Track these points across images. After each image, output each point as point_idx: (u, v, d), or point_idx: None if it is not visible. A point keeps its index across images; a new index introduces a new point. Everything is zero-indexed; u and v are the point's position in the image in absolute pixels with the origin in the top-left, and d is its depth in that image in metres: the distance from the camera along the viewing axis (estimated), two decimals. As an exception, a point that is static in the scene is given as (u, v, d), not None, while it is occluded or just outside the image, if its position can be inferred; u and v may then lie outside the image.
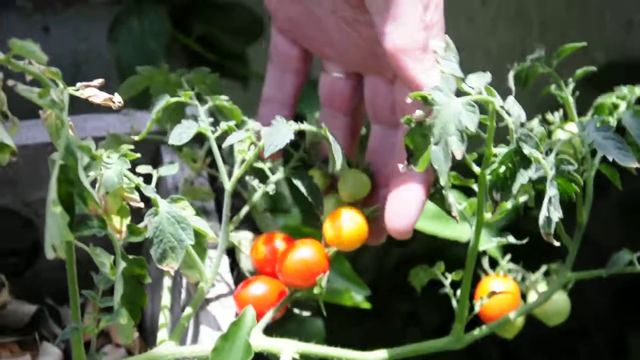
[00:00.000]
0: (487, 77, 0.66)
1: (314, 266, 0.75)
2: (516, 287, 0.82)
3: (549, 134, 0.82)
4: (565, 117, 0.82)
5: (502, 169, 0.67)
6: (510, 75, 0.78)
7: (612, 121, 0.79)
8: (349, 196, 0.79)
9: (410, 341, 0.76)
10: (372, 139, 0.80)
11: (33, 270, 0.92)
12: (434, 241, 1.12)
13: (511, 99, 0.67)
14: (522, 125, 0.67)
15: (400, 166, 0.68)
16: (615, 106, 0.81)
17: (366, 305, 0.90)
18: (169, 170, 0.75)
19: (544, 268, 0.83)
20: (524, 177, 0.67)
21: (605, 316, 1.44)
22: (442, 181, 0.66)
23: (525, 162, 0.67)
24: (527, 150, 0.66)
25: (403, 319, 1.34)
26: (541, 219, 0.67)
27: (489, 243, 0.80)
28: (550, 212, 0.67)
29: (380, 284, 0.97)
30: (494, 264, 0.84)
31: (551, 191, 0.67)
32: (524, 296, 0.83)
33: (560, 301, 0.81)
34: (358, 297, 0.90)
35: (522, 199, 0.77)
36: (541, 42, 0.80)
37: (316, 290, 0.76)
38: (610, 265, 0.78)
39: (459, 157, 0.64)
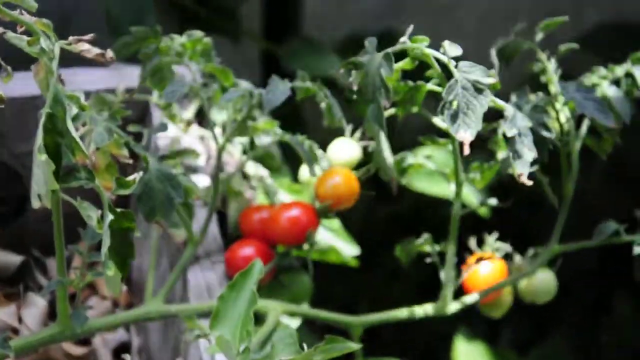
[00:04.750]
0: None
1: (304, 222, 0.77)
2: (504, 265, 0.81)
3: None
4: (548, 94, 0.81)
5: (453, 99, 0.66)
6: (493, 51, 0.78)
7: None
8: (341, 164, 0.81)
9: (396, 298, 0.76)
10: None
11: (19, 221, 0.92)
12: (422, 198, 1.12)
13: (447, 42, 0.67)
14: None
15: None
16: (596, 85, 0.79)
17: (354, 262, 0.90)
18: (161, 130, 0.75)
19: (531, 251, 0.82)
20: (481, 103, 0.65)
21: (591, 275, 1.45)
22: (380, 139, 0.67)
23: (478, 90, 0.66)
24: (473, 77, 0.66)
25: (389, 275, 1.34)
26: (511, 155, 0.66)
27: (475, 204, 0.80)
28: (521, 148, 0.67)
29: (367, 240, 0.97)
30: (481, 243, 0.83)
31: (511, 130, 0.67)
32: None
33: (547, 279, 0.81)
34: (346, 254, 0.90)
35: (501, 155, 0.77)
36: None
37: (305, 247, 0.77)
38: (596, 235, 0.78)
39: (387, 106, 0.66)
